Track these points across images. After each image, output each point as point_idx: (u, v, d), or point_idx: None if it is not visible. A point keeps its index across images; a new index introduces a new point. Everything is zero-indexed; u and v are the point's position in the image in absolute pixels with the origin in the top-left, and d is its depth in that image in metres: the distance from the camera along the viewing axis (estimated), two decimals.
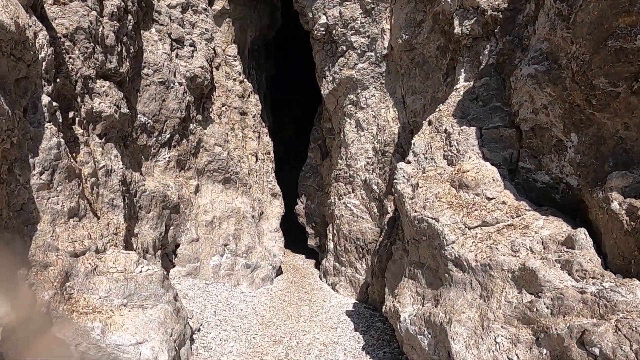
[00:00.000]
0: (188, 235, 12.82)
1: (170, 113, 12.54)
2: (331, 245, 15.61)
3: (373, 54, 14.60)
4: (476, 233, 7.05)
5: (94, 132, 9.95)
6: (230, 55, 16.48)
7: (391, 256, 12.29)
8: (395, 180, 8.79)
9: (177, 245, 12.82)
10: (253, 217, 14.83)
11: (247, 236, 14.13)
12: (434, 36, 13.16)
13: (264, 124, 18.20)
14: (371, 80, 14.63)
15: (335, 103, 15.76)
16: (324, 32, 15.40)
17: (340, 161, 15.46)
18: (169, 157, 12.65)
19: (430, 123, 9.59)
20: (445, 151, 8.70)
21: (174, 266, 12.77)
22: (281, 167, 21.28)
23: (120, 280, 7.85)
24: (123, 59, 10.98)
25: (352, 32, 14.76)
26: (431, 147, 8.84)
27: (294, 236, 20.15)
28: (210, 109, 14.48)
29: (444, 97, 12.95)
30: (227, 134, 14.85)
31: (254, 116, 16.94)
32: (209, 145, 14.02)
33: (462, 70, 10.78)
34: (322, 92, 15.97)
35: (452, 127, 8.92)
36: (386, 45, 14.40)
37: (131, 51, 11.41)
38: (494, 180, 7.76)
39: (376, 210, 13.96)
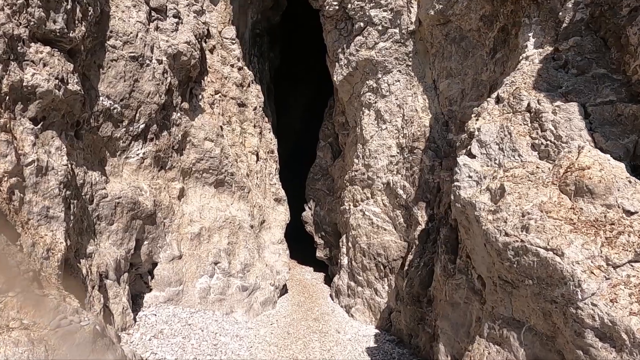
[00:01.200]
0: (168, 252, 9.49)
1: (146, 97, 9.24)
2: (345, 261, 12.24)
3: (397, 30, 11.28)
4: (627, 276, 3.69)
5: (24, 115, 6.65)
6: (227, 38, 13.20)
7: (426, 281, 8.92)
8: (456, 184, 5.45)
9: (155, 264, 9.50)
10: (252, 227, 11.49)
11: (243, 251, 10.78)
12: (475, 4, 9.82)
13: (266, 118, 14.89)
14: (395, 63, 11.31)
15: (351, 91, 12.44)
16: (337, 7, 12.10)
17: (356, 160, 12.12)
18: (144, 153, 9.34)
19: (499, 100, 6.23)
20: (533, 138, 5.34)
21: (150, 290, 9.44)
22: (287, 168, 18.01)
23: (21, 343, 4.53)
24: (76, 21, 7.69)
25: (372, 4, 11.44)
26: (510, 133, 5.48)
27: (300, 246, 16.81)
28: (200, 96, 11.18)
29: (492, 79, 9.62)
30: (220, 127, 11.54)
31: (254, 109, 13.64)
32: (198, 139, 10.70)
33: (530, 34, 7.42)
34: (334, 78, 12.65)
35: (539, 104, 5.56)
36: (413, 19, 11.08)
37: (90, 14, 8.11)
38: (630, 182, 4.40)
39: (402, 219, 10.60)
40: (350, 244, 11.94)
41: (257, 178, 13.09)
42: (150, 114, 9.37)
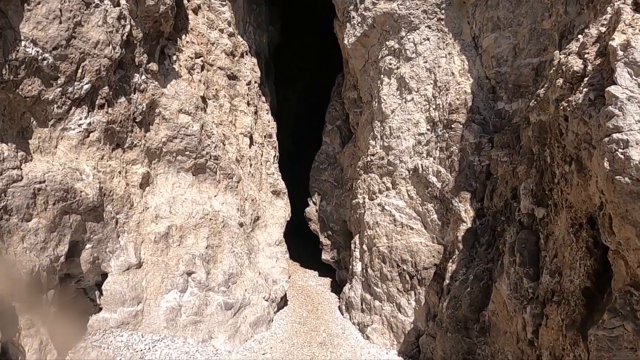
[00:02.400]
0: (122, 259, 6.75)
1: (92, 47, 6.52)
2: (358, 267, 9.47)
3: None
4: None
5: None
6: None
7: (478, 302, 6.15)
8: (617, 136, 2.69)
9: (105, 276, 6.77)
10: (241, 225, 8.75)
11: (228, 256, 8.02)
12: None
13: (263, 97, 12.18)
14: (422, 17, 8.53)
15: (366, 57, 9.67)
16: None
17: (372, 142, 9.36)
18: (90, 124, 6.61)
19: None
20: None
21: (99, 310, 6.72)
22: (289, 158, 15.32)
23: None
24: None
25: None
26: None
27: (303, 245, 14.12)
28: (175, 58, 8.45)
29: (562, 24, 6.83)
30: (202, 98, 8.82)
31: (248, 83, 10.91)
32: (170, 111, 7.98)
33: None
34: (345, 42, 9.89)
35: None
36: None
37: None
38: None
39: (435, 216, 7.82)
40: (365, 247, 9.16)
41: (251, 166, 10.37)
42: (99, 72, 6.65)
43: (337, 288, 12.67)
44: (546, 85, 4.99)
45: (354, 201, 9.96)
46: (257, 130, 11.19)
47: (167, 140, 7.96)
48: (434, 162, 7.84)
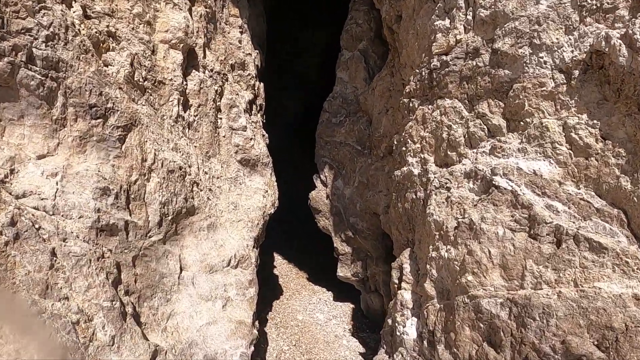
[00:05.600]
0: None
1: None
2: (412, 332, 3.75)
3: None
4: None
5: None
6: None
7: None
8: None
9: None
10: (119, 229, 3.32)
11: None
12: None
13: (235, 10, 6.68)
14: None
15: None
16: None
17: (442, 23, 3.62)
18: None
19: None
20: None
21: None
22: (295, 130, 9.85)
23: None
24: None
25: None
26: None
27: (315, 245, 8.72)
28: None
29: None
30: None
31: None
32: None
33: None
34: None
35: None
36: None
37: None
38: None
39: None
40: (431, 287, 3.47)
41: (188, 107, 4.92)
42: None
43: (361, 321, 7.19)
44: None
45: (397, 172, 4.26)
46: (213, 50, 5.71)
47: None
48: None
